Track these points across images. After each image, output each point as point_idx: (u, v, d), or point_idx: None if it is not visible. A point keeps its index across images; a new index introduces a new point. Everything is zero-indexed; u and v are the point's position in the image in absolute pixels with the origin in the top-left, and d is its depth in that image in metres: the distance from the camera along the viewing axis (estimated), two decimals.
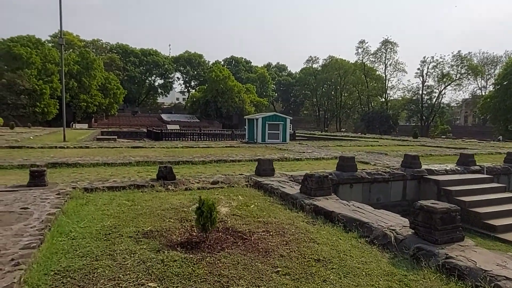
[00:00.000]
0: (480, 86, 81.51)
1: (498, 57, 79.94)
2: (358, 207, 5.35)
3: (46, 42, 56.23)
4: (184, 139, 28.13)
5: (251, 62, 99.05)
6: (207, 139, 28.81)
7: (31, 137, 21.20)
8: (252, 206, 5.78)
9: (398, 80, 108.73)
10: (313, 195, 6.00)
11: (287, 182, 7.55)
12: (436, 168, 10.66)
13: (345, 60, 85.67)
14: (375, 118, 69.80)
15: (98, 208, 5.42)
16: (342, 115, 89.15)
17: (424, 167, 10.66)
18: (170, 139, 25.70)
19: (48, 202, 5.29)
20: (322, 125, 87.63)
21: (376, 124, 69.36)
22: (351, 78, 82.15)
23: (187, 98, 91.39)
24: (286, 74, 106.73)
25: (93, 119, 57.87)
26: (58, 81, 48.37)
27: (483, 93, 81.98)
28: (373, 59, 78.95)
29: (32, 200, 5.44)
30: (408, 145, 23.96)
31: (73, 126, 46.72)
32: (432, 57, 70.18)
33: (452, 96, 77.39)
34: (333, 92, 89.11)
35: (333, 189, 8.88)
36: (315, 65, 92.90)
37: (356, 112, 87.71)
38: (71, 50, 61.31)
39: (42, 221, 4.33)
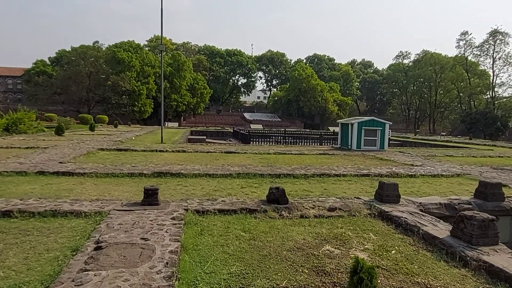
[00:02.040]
0: None
1: None
2: None
3: (144, 46, 61.13)
4: (269, 140, 27.73)
5: (334, 60, 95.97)
6: (294, 141, 27.98)
7: (133, 138, 22.69)
8: (394, 252, 4.69)
9: (510, 75, 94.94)
10: (474, 244, 4.67)
11: (423, 215, 6.24)
12: None
13: (442, 54, 77.70)
14: (479, 120, 61.91)
15: (215, 242, 4.86)
16: (436, 115, 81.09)
17: None
18: (257, 140, 25.48)
19: (166, 231, 4.89)
20: (412, 126, 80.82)
21: (480, 126, 61.56)
22: (449, 74, 74.14)
23: (269, 97, 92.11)
24: (372, 71, 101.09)
25: (182, 118, 61.38)
26: (153, 82, 52.17)
27: None
28: (478, 53, 70.20)
29: (149, 226, 5.11)
30: None
31: (166, 125, 49.94)
32: None
33: None
34: (426, 90, 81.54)
35: None
36: (405, 61, 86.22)
37: (454, 112, 78.99)
38: (164, 53, 65.93)
39: (167, 263, 3.85)
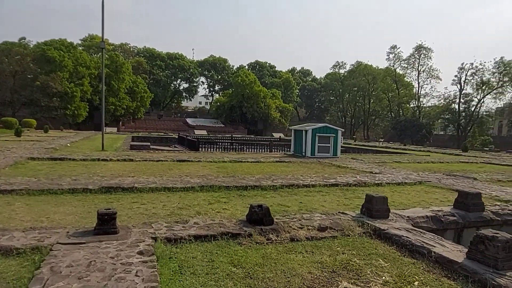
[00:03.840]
0: None
1: None
2: None
3: (77, 45, 56.28)
4: (217, 147, 26.57)
5: (275, 67, 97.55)
6: (242, 148, 27.14)
7: (68, 144, 20.12)
8: (417, 283, 4.00)
9: (432, 87, 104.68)
10: (500, 268, 4.16)
11: (422, 232, 5.71)
12: None
13: (374, 66, 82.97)
14: (408, 127, 66.86)
15: (203, 285, 3.76)
16: (370, 122, 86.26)
17: None
18: (205, 147, 24.19)
19: (137, 275, 3.68)
20: (348, 132, 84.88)
21: (408, 133, 66.44)
22: (380, 84, 79.42)
23: (211, 103, 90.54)
24: (310, 79, 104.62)
25: (120, 123, 57.45)
26: (88, 84, 48.10)
27: None
28: (405, 65, 76.09)
29: (111, 268, 3.84)
30: (471, 161, 21.61)
31: (104, 130, 46.18)
32: (471, 64, 66.58)
33: (489, 104, 73.21)
34: (360, 98, 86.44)
35: (456, 233, 7.07)
36: (341, 71, 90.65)
37: (386, 119, 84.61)
38: (99, 54, 61.28)
39: None
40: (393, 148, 34.29)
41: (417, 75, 74.96)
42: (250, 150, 24.52)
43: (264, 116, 68.77)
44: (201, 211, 6.70)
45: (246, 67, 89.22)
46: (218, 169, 12.54)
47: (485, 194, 9.70)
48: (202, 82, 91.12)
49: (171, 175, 10.72)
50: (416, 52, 74.02)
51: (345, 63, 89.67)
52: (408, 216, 6.75)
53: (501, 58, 65.72)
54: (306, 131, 19.19)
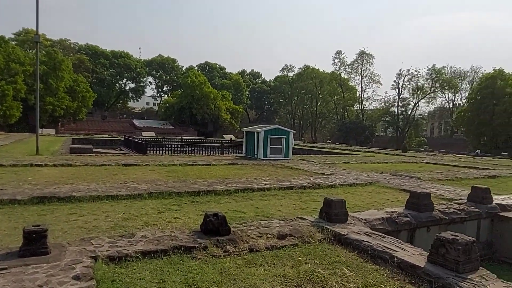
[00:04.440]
0: (447, 100, 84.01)
1: (465, 72, 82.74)
2: None
3: (9, 40, 51.31)
4: (166, 149, 25.50)
5: (225, 69, 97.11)
6: (192, 150, 26.32)
7: None
8: None
9: (374, 91, 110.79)
10: (461, 271, 4.13)
11: (382, 236, 5.64)
12: (508, 203, 9.20)
13: (321, 70, 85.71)
14: (352, 129, 69.91)
15: None
16: (317, 124, 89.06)
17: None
18: (153, 149, 23.05)
19: None
20: (297, 134, 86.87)
21: (353, 134, 69.53)
22: (327, 88, 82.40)
23: (160, 104, 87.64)
24: (260, 81, 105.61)
25: (59, 124, 53.35)
26: (22, 82, 43.97)
27: (450, 106, 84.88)
28: (350, 70, 79.73)
29: None
30: (411, 161, 22.88)
31: (41, 132, 42.44)
32: (408, 70, 71.44)
33: (422, 108, 79.38)
34: (308, 101, 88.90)
35: (409, 233, 7.17)
36: (290, 74, 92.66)
37: (332, 121, 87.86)
38: (35, 50, 56.43)
39: None
40: (341, 149, 35.44)
41: (360, 79, 78.96)
42: (201, 152, 23.82)
43: (215, 117, 67.95)
44: (150, 222, 6.09)
45: (196, 68, 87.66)
46: (168, 173, 11.83)
47: (431, 193, 10.10)
48: (149, 82, 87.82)
49: (116, 181, 9.85)
50: (359, 58, 77.90)
51: (293, 67, 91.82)
52: (365, 219, 6.70)
53: (433, 65, 71.33)
54: (258, 133, 19.00)
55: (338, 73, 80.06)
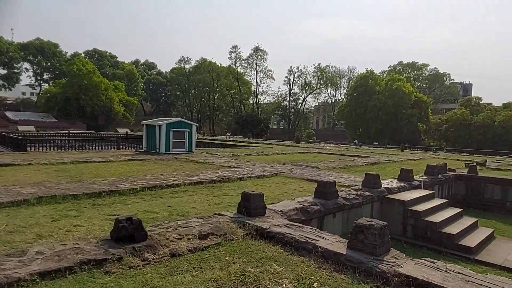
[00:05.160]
0: (330, 95, 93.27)
1: (343, 71, 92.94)
2: (458, 272, 4.08)
3: None
4: (51, 146, 22.33)
5: (117, 57, 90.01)
6: (84, 146, 23.64)
7: None
8: (316, 285, 3.87)
9: (268, 86, 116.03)
10: (378, 254, 4.45)
11: (301, 226, 5.77)
12: (392, 186, 10.48)
13: (218, 64, 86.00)
14: (249, 121, 72.09)
15: None
16: (215, 117, 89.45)
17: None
18: (35, 146, 19.91)
19: None
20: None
21: (249, 127, 71.72)
22: (224, 81, 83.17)
23: (40, 94, 76.49)
24: (155, 72, 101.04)
25: None
26: None
27: (332, 101, 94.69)
28: (245, 65, 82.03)
29: None
30: (306, 152, 24.63)
31: None
32: (297, 67, 76.72)
33: (310, 102, 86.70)
34: (206, 94, 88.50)
35: (319, 221, 7.57)
36: (187, 66, 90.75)
37: (229, 115, 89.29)
38: None
39: None
40: (240, 142, 36.17)
41: (255, 74, 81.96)
42: (93, 148, 21.52)
43: (106, 110, 62.41)
44: (44, 233, 5.11)
45: (83, 55, 78.93)
46: (58, 173, 10.26)
47: (327, 179, 10.92)
48: (26, 69, 75.59)
49: None
50: (254, 54, 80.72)
51: (190, 59, 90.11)
52: (281, 211, 6.82)
53: (319, 64, 78.30)
54: (160, 126, 17.99)
55: (234, 67, 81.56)
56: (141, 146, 20.57)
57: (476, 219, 10.94)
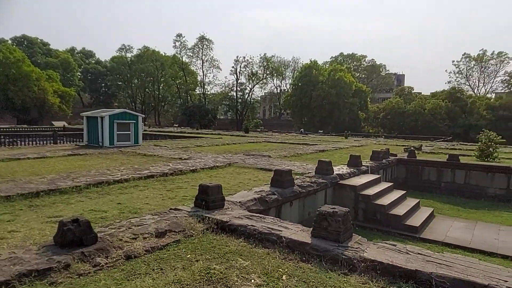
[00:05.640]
0: (275, 85, 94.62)
1: (288, 61, 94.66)
2: (418, 253, 4.20)
3: None
4: None
5: (49, 44, 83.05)
6: (16, 141, 21.38)
7: None
8: (285, 277, 3.76)
9: (214, 76, 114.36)
10: (342, 240, 4.46)
11: (262, 217, 5.63)
12: (343, 172, 10.76)
13: (162, 53, 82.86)
14: (196, 112, 70.82)
15: None
16: (160, 108, 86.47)
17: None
18: None
19: None
20: None
21: (197, 118, 70.48)
22: (168, 71, 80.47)
23: None
24: (94, 61, 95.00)
25: None
26: None
27: (278, 91, 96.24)
28: (191, 54, 79.98)
29: None
30: (256, 141, 24.69)
31: None
32: (244, 57, 76.40)
33: (257, 92, 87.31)
34: (150, 84, 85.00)
35: (277, 210, 7.53)
36: (128, 55, 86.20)
37: (175, 105, 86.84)
38: None
39: None
40: (188, 133, 35.32)
41: (201, 64, 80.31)
42: (27, 143, 19.57)
43: (39, 102, 57.29)
44: None
45: (10, 42, 71.47)
46: None
47: (280, 168, 10.96)
48: None
49: None
50: (199, 43, 78.90)
51: (132, 47, 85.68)
52: (239, 202, 6.64)
53: (264, 54, 78.73)
54: (102, 118, 16.80)
55: (179, 56, 79.22)
56: (81, 140, 19.13)
57: (418, 200, 11.70)
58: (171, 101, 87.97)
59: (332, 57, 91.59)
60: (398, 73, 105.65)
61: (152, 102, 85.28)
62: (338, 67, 69.27)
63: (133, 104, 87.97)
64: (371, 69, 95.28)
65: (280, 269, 3.94)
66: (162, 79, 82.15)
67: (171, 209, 6.07)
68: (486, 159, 17.13)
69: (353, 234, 4.80)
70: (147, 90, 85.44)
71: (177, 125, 55.39)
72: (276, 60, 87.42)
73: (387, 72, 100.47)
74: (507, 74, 73.30)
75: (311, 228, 4.79)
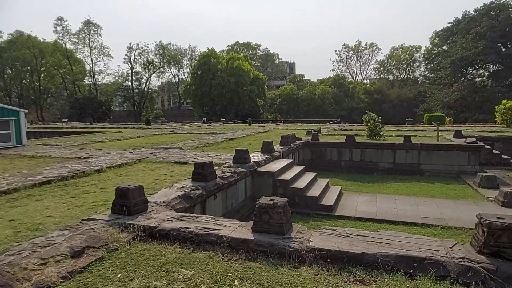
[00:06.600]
0: (173, 74, 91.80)
1: (184, 49, 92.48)
2: (358, 235, 4.29)
3: None
4: None
5: None
6: None
7: None
8: (237, 282, 3.46)
9: (106, 65, 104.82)
10: (285, 232, 4.32)
11: (194, 217, 5.15)
12: (259, 160, 10.75)
13: (40, 38, 72.46)
14: (87, 105, 64.43)
15: None
16: (43, 102, 76.01)
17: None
18: None
19: None
20: None
21: (89, 111, 64.20)
22: (50, 59, 70.90)
23: None
24: None
25: None
26: None
27: (176, 80, 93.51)
28: (76, 40, 71.94)
29: None
30: (161, 133, 23.46)
31: None
32: (138, 44, 71.90)
33: (154, 82, 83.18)
34: (27, 75, 73.77)
35: (202, 205, 7.15)
36: None
37: (61, 98, 77.37)
38: None
39: None
40: (81, 128, 31.86)
41: (89, 51, 72.89)
42: None
43: None
44: None
45: None
46: None
47: (194, 159, 10.55)
48: None
49: None
50: (85, 28, 71.40)
51: (1, 32, 72.75)
52: (163, 202, 6.05)
53: (160, 41, 75.25)
54: None
55: (62, 43, 70.44)
56: None
57: (328, 180, 12.49)
58: (56, 93, 77.98)
59: (228, 45, 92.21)
60: (289, 62, 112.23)
61: (32, 95, 74.31)
62: (235, 56, 70.03)
63: (7, 98, 75.31)
64: (266, 58, 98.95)
65: (229, 274, 3.62)
66: (42, 69, 71.97)
67: (83, 220, 5.17)
68: (375, 138, 19.28)
69: (292, 223, 4.73)
70: (24, 81, 74.01)
71: (66, 120, 49.43)
72: (173, 48, 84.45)
73: (280, 60, 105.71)
74: (377, 63, 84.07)
75: (251, 222, 4.56)
